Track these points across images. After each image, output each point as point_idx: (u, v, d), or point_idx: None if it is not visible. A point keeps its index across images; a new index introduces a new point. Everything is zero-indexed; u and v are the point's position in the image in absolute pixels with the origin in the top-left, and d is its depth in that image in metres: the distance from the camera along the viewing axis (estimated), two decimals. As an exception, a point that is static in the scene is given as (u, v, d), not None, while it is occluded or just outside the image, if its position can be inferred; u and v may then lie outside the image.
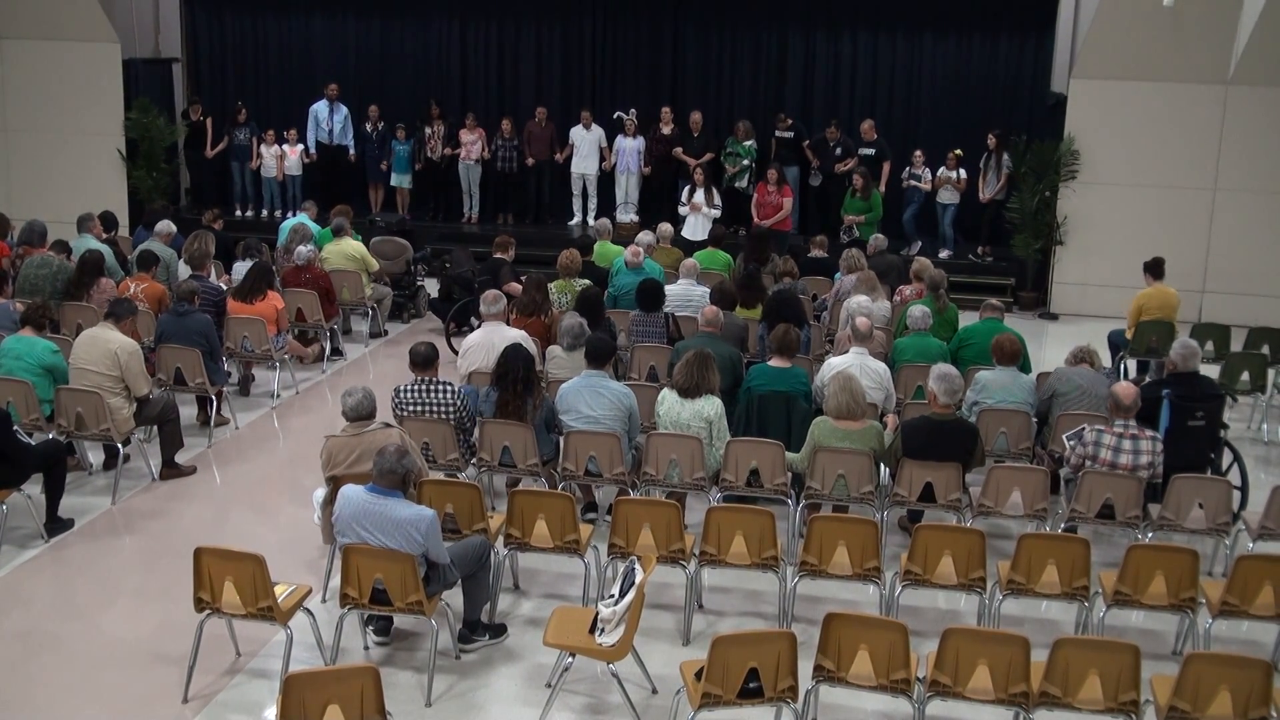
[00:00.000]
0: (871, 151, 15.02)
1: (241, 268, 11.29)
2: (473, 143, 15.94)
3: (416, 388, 7.81)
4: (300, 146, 16.23)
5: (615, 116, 15.96)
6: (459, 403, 7.80)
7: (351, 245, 12.35)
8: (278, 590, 5.94)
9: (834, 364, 8.43)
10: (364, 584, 6.01)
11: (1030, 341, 9.55)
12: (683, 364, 7.72)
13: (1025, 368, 8.80)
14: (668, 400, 7.76)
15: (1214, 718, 5.19)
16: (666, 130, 15.63)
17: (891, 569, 6.89)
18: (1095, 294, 14.45)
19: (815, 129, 15.67)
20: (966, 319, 10.25)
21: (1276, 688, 5.26)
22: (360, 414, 6.88)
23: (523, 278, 10.42)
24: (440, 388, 7.79)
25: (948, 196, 14.81)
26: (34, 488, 7.77)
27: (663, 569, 6.74)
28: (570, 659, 5.90)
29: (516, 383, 7.66)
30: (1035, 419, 8.34)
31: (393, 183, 16.39)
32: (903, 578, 6.61)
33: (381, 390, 7.56)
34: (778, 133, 15.44)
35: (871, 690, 5.47)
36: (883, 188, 14.67)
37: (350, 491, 6.10)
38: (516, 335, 8.72)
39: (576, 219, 16.28)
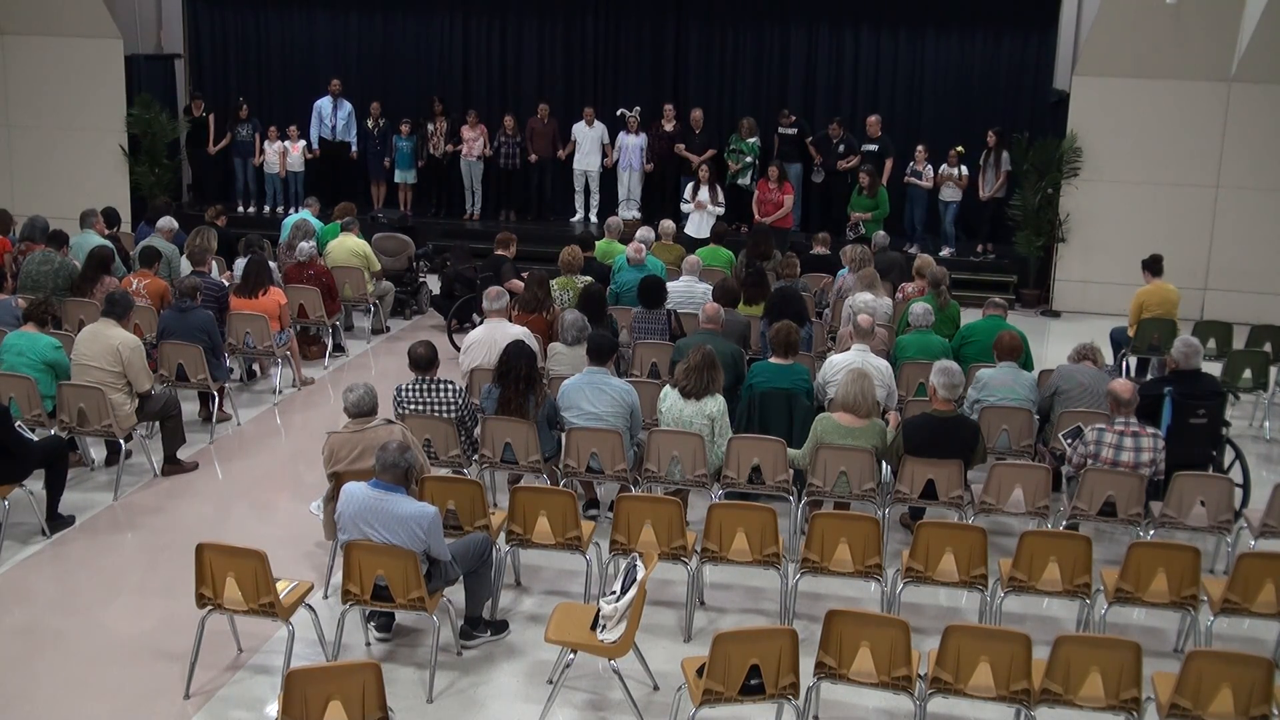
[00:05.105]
0: (875, 148, 15.00)
1: (244, 265, 11.30)
2: (475, 139, 15.93)
3: (417, 387, 7.81)
4: (302, 143, 16.22)
5: (618, 113, 15.95)
6: (460, 401, 7.80)
7: (355, 242, 12.37)
8: (279, 586, 5.94)
9: (836, 361, 8.43)
10: (366, 580, 6.02)
11: (1032, 339, 9.55)
12: (688, 367, 7.68)
13: (1027, 365, 8.80)
14: (670, 397, 7.76)
15: (1215, 715, 5.20)
16: (668, 127, 15.62)
17: (893, 566, 6.89)
18: (1097, 291, 14.45)
19: (818, 126, 15.66)
20: (969, 316, 10.25)
21: (1278, 685, 5.26)
22: (362, 410, 6.87)
23: (524, 274, 10.41)
24: (441, 387, 7.79)
25: (950, 194, 14.78)
26: (35, 484, 7.77)
27: (664, 566, 6.76)
28: (572, 655, 5.90)
29: (518, 380, 7.65)
30: (1037, 416, 8.34)
31: (395, 179, 16.40)
32: (904, 575, 6.60)
33: (383, 387, 7.56)
34: (781, 129, 15.43)
35: (873, 687, 5.47)
36: (884, 183, 14.65)
37: (353, 489, 6.09)
38: (518, 332, 8.72)
39: (579, 215, 16.28)
